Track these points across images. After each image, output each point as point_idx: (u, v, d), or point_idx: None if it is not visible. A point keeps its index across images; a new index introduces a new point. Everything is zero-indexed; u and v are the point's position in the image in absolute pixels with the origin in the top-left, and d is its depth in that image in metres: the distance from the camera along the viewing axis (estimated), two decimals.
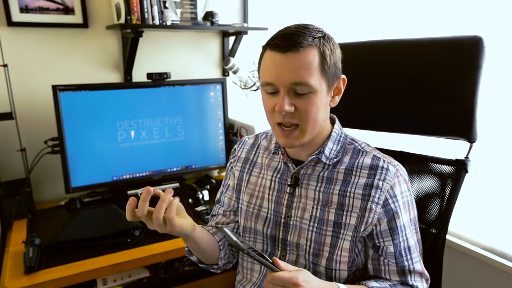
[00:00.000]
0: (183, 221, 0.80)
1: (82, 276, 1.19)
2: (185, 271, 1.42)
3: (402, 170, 0.87)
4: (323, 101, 0.81)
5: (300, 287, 0.70)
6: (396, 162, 0.87)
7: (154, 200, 0.77)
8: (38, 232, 1.35)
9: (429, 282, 0.89)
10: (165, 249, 1.30)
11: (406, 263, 0.85)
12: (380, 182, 0.82)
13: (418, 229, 0.89)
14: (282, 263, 0.74)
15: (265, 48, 0.81)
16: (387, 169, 0.83)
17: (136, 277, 1.34)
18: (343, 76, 0.85)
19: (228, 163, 1.06)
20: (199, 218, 1.51)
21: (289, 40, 0.75)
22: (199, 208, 1.58)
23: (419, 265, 0.87)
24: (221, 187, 1.07)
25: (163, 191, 0.78)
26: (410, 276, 0.86)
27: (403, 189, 0.85)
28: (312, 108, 0.78)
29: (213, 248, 0.95)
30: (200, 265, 0.99)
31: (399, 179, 0.84)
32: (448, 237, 1.41)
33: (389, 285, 0.84)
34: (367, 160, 0.86)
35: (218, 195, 1.08)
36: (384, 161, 0.85)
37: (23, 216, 1.53)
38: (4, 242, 1.41)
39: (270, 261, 0.74)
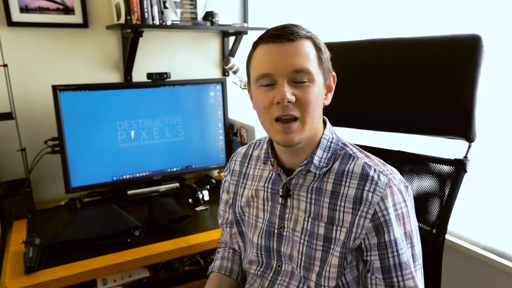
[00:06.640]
0: None
1: (82, 276, 1.19)
2: (185, 271, 1.42)
3: (396, 180, 0.79)
4: (320, 94, 0.79)
5: None
6: (390, 171, 0.80)
7: None
8: (38, 232, 1.35)
9: None
10: (165, 249, 1.30)
11: (395, 279, 0.78)
12: (370, 194, 0.76)
13: (419, 240, 0.82)
14: None
15: (256, 44, 0.80)
16: (378, 179, 0.77)
17: (136, 277, 1.34)
18: (333, 73, 0.85)
19: (223, 176, 1.05)
20: (199, 218, 1.51)
21: (285, 31, 0.76)
22: (199, 208, 1.58)
23: (411, 282, 0.78)
24: (219, 199, 1.09)
25: None
26: None
27: (396, 201, 0.77)
28: (311, 98, 0.76)
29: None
30: None
31: (392, 190, 0.77)
32: (448, 237, 1.41)
33: None
34: (357, 169, 0.80)
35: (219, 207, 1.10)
36: (375, 170, 0.79)
37: (23, 216, 1.53)
38: (4, 242, 1.41)
39: None
